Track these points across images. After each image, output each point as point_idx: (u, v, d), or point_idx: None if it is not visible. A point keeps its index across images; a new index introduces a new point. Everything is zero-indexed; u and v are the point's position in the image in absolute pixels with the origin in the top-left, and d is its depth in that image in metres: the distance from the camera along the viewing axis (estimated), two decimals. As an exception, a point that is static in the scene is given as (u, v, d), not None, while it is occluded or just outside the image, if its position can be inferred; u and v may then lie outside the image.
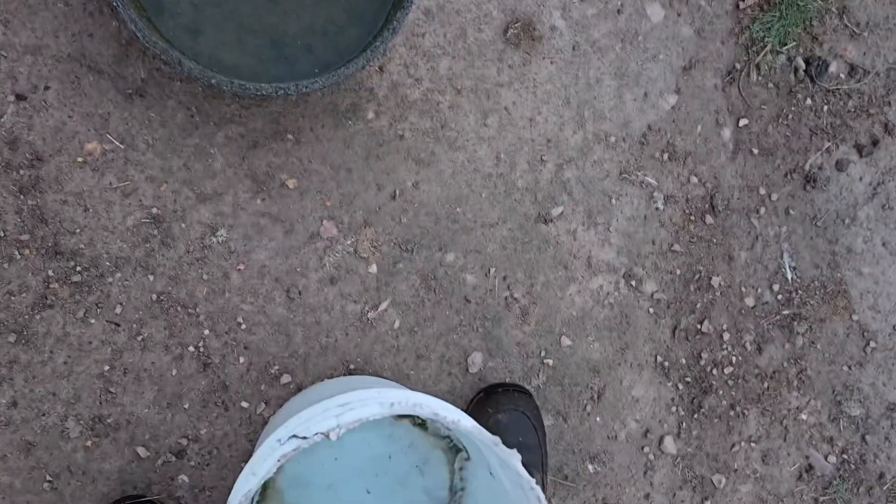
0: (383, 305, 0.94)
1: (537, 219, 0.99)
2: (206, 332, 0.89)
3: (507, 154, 0.98)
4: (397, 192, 0.94)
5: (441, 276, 0.95)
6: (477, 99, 0.97)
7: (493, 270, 0.97)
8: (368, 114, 0.94)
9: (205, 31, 0.86)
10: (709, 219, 1.05)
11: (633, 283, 1.02)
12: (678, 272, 1.04)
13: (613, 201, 1.01)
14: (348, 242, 0.93)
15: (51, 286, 0.85)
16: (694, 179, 1.04)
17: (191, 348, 0.89)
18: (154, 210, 0.88)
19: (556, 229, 0.99)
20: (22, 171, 0.85)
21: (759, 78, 1.06)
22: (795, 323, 1.08)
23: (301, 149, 0.91)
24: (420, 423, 0.79)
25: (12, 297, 0.84)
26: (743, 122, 1.06)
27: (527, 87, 0.98)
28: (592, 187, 1.01)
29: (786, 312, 1.07)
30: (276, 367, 0.91)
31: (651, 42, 1.02)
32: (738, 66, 1.06)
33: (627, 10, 1.01)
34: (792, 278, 1.08)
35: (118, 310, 0.87)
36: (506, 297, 0.97)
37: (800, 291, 1.08)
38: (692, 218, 1.04)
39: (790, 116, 1.07)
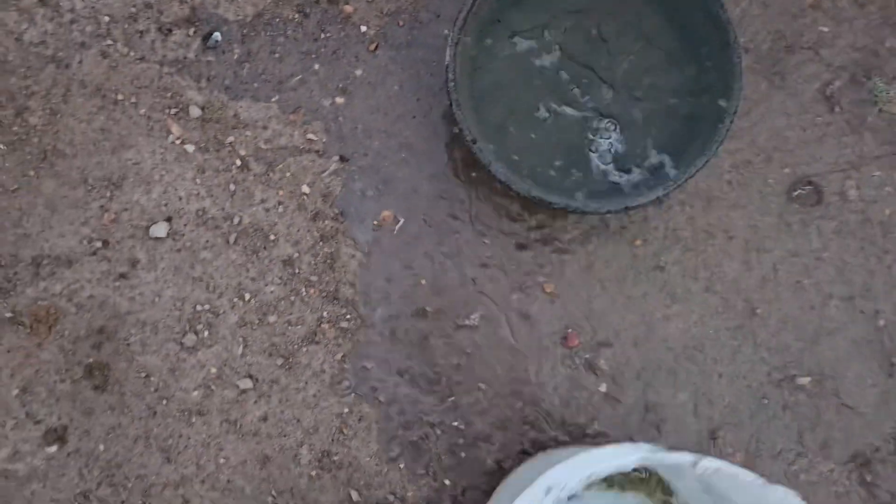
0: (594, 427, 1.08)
1: (780, 382, 1.09)
2: (436, 417, 1.08)
3: (763, 310, 1.10)
4: (645, 320, 1.09)
5: (667, 416, 1.08)
6: (745, 251, 1.10)
7: (718, 422, 1.08)
8: (637, 240, 1.10)
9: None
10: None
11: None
12: None
13: (862, 388, 1.09)
14: (587, 356, 1.09)
15: (322, 326, 1.09)
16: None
17: (421, 418, 1.09)
18: (422, 280, 1.10)
19: (799, 397, 1.09)
20: (327, 222, 1.10)
21: None
22: None
23: (567, 257, 1.09)
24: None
25: (289, 327, 1.09)
26: None
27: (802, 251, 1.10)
28: (847, 363, 1.09)
29: None
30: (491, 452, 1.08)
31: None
32: None
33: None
34: None
35: (368, 363, 1.09)
36: (723, 453, 1.08)
37: None
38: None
39: None
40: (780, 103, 1.11)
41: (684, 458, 0.77)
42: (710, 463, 0.77)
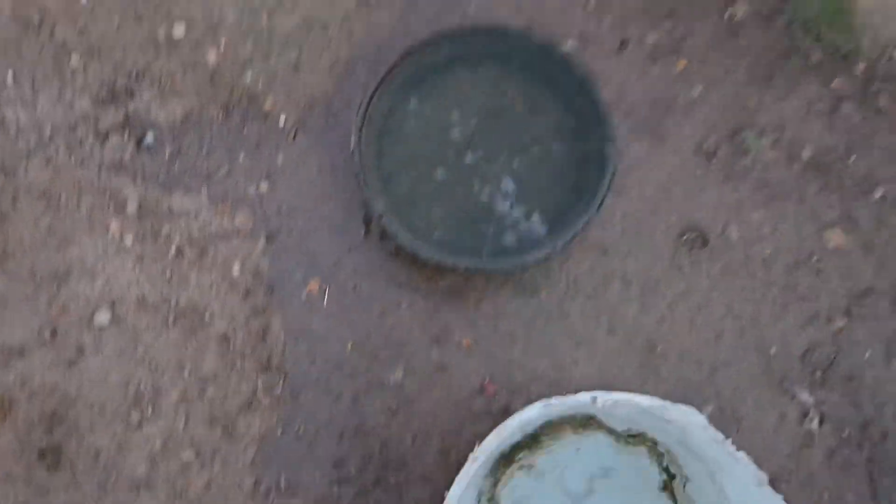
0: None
1: (684, 415, 1.19)
2: (368, 472, 1.18)
3: (663, 347, 1.21)
4: (556, 364, 1.20)
5: (583, 453, 1.18)
6: (642, 294, 1.21)
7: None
8: (542, 291, 1.22)
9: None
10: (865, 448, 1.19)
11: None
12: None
13: (760, 413, 1.19)
14: (503, 403, 1.19)
15: (257, 394, 1.19)
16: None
17: (354, 474, 1.18)
18: (349, 343, 1.20)
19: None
20: (257, 298, 1.21)
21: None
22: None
23: (479, 312, 1.21)
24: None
25: (227, 398, 1.19)
26: (916, 355, 1.21)
27: (693, 291, 1.21)
28: (744, 395, 1.19)
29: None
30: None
31: (824, 264, 1.22)
32: (915, 299, 1.22)
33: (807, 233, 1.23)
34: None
35: (300, 428, 1.19)
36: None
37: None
38: (845, 440, 1.19)
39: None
40: (663, 160, 1.25)
41: (582, 397, 0.86)
42: (607, 396, 0.85)
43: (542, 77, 1.20)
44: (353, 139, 1.12)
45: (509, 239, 1.17)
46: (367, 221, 1.22)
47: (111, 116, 1.24)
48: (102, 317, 1.18)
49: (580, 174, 1.17)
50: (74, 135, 1.23)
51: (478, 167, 1.20)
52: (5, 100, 1.23)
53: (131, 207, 1.21)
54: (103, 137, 1.23)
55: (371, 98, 1.15)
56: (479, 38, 1.18)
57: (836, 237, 1.23)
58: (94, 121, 1.24)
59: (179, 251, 1.20)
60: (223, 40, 1.26)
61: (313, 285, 1.20)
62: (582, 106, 1.16)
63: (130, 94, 1.24)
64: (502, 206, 1.18)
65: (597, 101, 1.13)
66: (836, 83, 1.27)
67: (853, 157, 1.24)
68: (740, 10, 1.28)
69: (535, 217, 1.18)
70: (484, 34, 1.18)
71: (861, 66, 1.26)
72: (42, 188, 1.21)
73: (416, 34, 1.26)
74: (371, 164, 1.16)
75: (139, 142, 1.23)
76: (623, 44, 1.28)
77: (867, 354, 1.20)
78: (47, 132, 1.23)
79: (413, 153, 1.20)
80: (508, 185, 1.19)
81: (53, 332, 1.18)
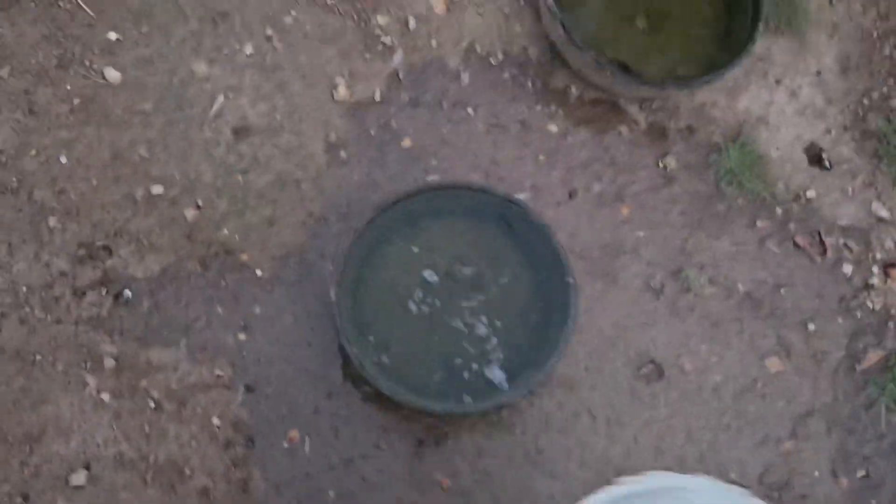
0: None
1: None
2: None
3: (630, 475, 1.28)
4: (533, 500, 1.25)
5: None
6: (608, 427, 1.30)
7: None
8: (517, 428, 1.28)
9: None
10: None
11: None
12: None
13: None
14: (486, 543, 1.23)
15: (239, 549, 1.19)
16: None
17: None
18: (330, 491, 1.23)
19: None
20: (238, 449, 1.23)
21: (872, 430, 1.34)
22: None
23: (457, 451, 1.26)
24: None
25: (208, 555, 1.18)
26: (860, 472, 1.32)
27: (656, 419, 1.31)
28: (710, 518, 1.27)
29: None
30: None
31: (768, 389, 1.34)
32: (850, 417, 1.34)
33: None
34: None
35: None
36: None
37: None
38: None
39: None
40: (615, 298, 1.37)
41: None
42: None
43: (503, 226, 1.31)
44: (332, 291, 1.19)
45: (482, 381, 1.25)
46: (345, 367, 1.27)
47: (89, 274, 1.28)
48: (78, 477, 1.17)
49: (544, 316, 1.27)
50: (51, 293, 1.26)
51: (448, 312, 1.28)
52: (-22, 260, 1.26)
53: (108, 363, 1.23)
54: (80, 294, 1.26)
55: (348, 252, 1.23)
56: (446, 193, 1.29)
57: (774, 363, 1.35)
58: (72, 279, 1.27)
59: (158, 405, 1.22)
60: (200, 198, 1.33)
61: (294, 434, 1.24)
62: (542, 252, 1.28)
63: (108, 251, 1.29)
64: (473, 349, 1.26)
65: (555, 248, 1.25)
66: (760, 224, 1.43)
67: (783, 290, 1.39)
68: (672, 162, 1.45)
69: (505, 360, 1.26)
70: (449, 190, 1.30)
71: (779, 209, 1.44)
72: (16, 348, 1.22)
73: (384, 189, 1.36)
74: (348, 313, 1.23)
75: (117, 297, 1.27)
76: (572, 193, 1.42)
77: (816, 473, 1.30)
78: (23, 292, 1.25)
79: (387, 299, 1.28)
80: (477, 328, 1.28)
81: (25, 497, 1.16)
